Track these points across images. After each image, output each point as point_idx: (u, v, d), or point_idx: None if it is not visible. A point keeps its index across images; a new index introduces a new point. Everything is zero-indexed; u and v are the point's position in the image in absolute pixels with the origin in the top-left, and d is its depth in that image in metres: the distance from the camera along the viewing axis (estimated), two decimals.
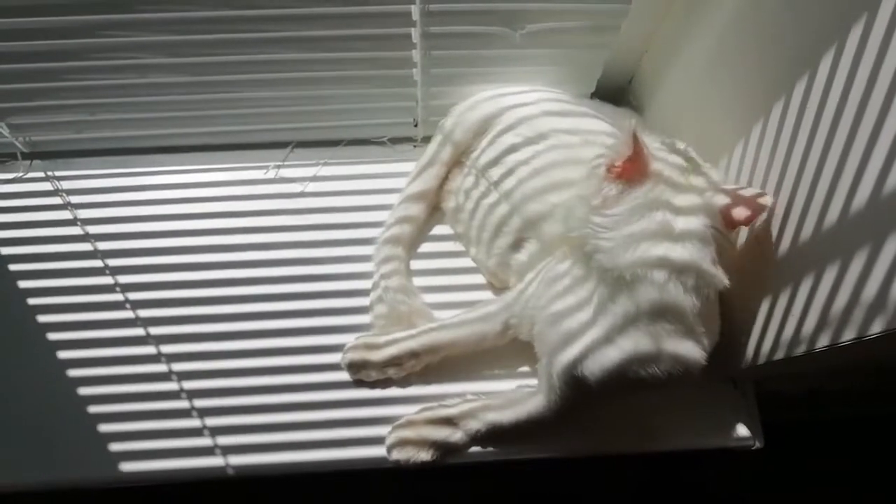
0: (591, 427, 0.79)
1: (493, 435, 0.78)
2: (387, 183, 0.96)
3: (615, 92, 1.02)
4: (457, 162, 0.92)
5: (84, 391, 0.82)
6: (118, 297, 0.88)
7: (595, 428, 0.79)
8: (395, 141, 1.01)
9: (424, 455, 0.77)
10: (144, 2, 0.77)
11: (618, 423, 0.79)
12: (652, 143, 0.70)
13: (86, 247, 0.91)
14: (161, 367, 0.83)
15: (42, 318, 0.86)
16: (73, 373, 0.83)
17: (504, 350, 0.83)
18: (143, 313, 0.87)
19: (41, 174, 0.97)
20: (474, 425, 0.78)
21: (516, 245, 0.82)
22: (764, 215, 0.66)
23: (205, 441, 0.79)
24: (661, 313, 0.64)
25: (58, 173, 0.97)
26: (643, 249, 0.63)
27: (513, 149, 0.84)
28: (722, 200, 0.65)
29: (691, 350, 0.65)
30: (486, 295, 0.89)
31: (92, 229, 0.92)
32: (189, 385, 0.82)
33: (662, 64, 0.91)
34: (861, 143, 0.53)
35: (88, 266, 0.90)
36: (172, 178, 0.97)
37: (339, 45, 0.85)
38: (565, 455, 0.80)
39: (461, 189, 0.89)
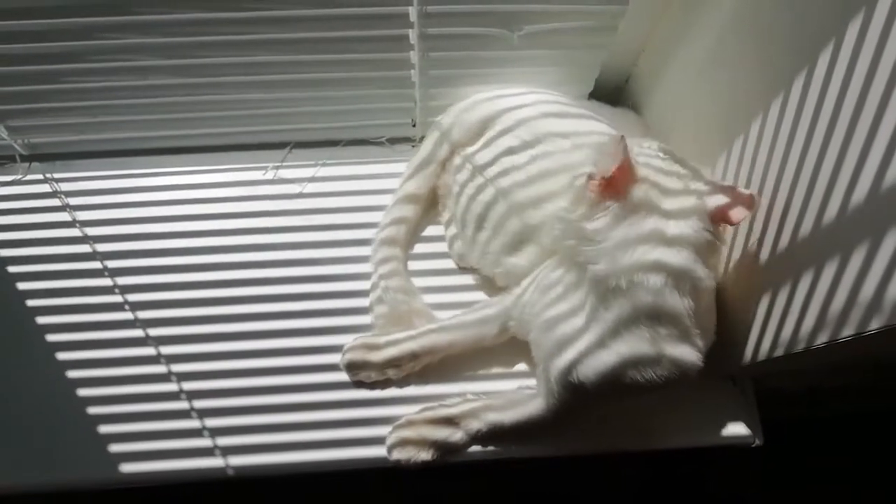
0: (591, 426, 0.79)
1: (494, 435, 0.78)
2: (385, 183, 0.96)
3: (613, 92, 1.02)
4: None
5: (83, 392, 0.82)
6: (117, 298, 0.88)
7: (595, 427, 0.79)
8: (394, 141, 1.01)
9: (425, 455, 0.77)
10: (143, 4, 0.77)
11: (618, 422, 0.79)
12: (640, 149, 0.70)
13: (85, 248, 0.91)
14: (160, 368, 0.83)
15: (41, 320, 0.86)
16: (73, 374, 0.83)
17: (503, 349, 0.83)
18: (143, 314, 0.87)
19: (40, 176, 0.97)
20: (475, 425, 0.78)
21: (513, 248, 0.82)
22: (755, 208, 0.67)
23: (205, 442, 0.79)
24: (656, 317, 0.64)
25: (56, 175, 0.97)
26: (636, 256, 0.63)
27: (511, 151, 0.84)
28: (715, 202, 0.65)
29: (687, 353, 0.66)
30: (480, 295, 0.89)
31: (91, 231, 0.92)
32: (188, 386, 0.82)
33: (660, 63, 0.91)
34: (859, 140, 0.53)
35: (87, 268, 0.90)
36: (171, 179, 0.97)
37: (338, 47, 0.85)
38: (566, 454, 0.80)
39: (456, 183, 0.89)
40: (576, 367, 0.68)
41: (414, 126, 0.99)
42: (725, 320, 0.73)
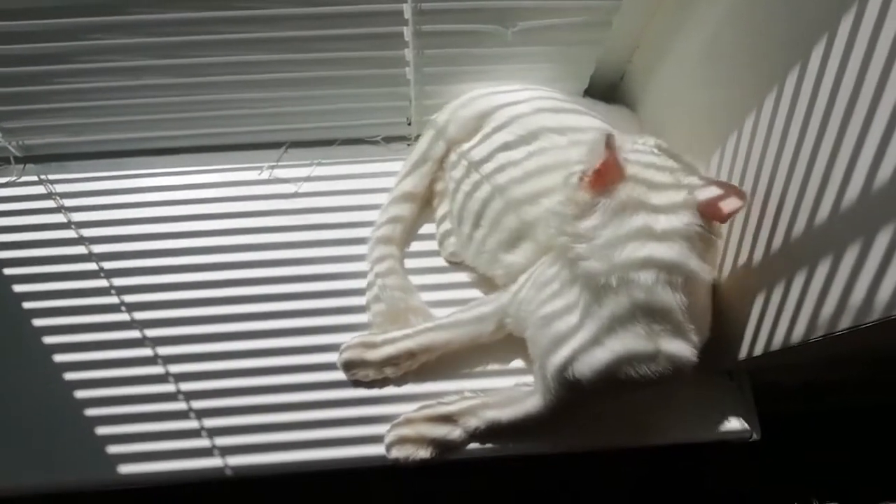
0: (588, 423, 0.79)
1: (492, 432, 0.78)
2: (381, 182, 0.96)
3: (608, 89, 1.02)
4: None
5: (81, 394, 0.81)
6: (113, 299, 0.88)
7: (592, 423, 0.80)
8: (389, 140, 1.01)
9: (423, 453, 0.77)
10: (136, 4, 0.76)
11: (615, 418, 0.80)
12: (634, 145, 0.70)
13: (80, 250, 0.91)
14: (158, 369, 0.83)
15: (38, 322, 0.86)
16: (70, 375, 0.83)
17: (500, 346, 0.83)
18: (139, 315, 0.86)
19: (34, 178, 0.96)
20: (473, 423, 0.78)
21: (510, 245, 0.82)
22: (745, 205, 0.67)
23: (203, 442, 0.79)
24: (649, 313, 0.64)
25: (51, 177, 0.96)
26: (627, 252, 0.63)
27: (506, 147, 0.84)
28: (705, 194, 0.65)
29: (681, 348, 0.66)
30: (476, 293, 0.89)
31: (86, 232, 0.92)
32: (186, 386, 0.82)
33: (654, 59, 0.92)
34: (852, 135, 0.53)
35: (83, 269, 0.89)
36: (166, 179, 0.97)
37: (332, 45, 0.85)
38: (563, 450, 0.80)
39: (451, 179, 0.89)
40: (571, 364, 0.68)
41: (409, 124, 0.99)
42: (722, 315, 0.73)
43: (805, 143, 0.60)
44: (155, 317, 0.86)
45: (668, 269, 0.63)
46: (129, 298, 0.88)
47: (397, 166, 0.96)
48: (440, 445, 0.78)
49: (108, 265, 0.90)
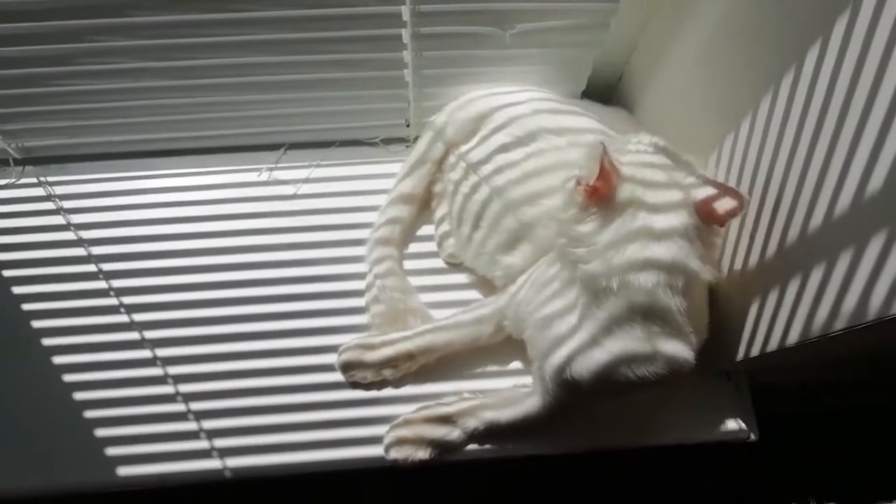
0: (586, 423, 0.79)
1: (491, 433, 0.78)
2: (380, 184, 0.96)
3: (605, 90, 1.02)
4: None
5: (80, 396, 0.82)
6: (113, 301, 0.88)
7: (591, 424, 0.80)
8: (388, 141, 1.01)
9: (422, 453, 0.77)
10: (135, 6, 0.77)
11: (613, 419, 0.80)
12: (630, 145, 0.70)
13: (79, 252, 0.91)
14: (157, 371, 0.83)
15: (37, 324, 0.86)
16: (69, 377, 0.83)
17: (498, 347, 0.83)
18: (138, 317, 0.87)
19: (34, 180, 0.96)
20: (472, 423, 0.78)
21: (509, 246, 0.82)
22: (745, 209, 0.65)
23: (202, 444, 0.79)
24: (649, 316, 0.64)
25: (50, 179, 0.96)
26: (627, 255, 0.63)
27: (504, 148, 0.84)
28: (702, 193, 0.65)
29: (679, 350, 0.66)
30: (475, 294, 0.90)
31: (85, 234, 0.92)
32: (185, 388, 0.82)
33: (651, 61, 0.92)
34: (847, 135, 0.54)
35: (82, 271, 0.90)
36: (165, 181, 0.97)
37: (331, 47, 0.86)
38: (562, 451, 0.80)
39: (450, 181, 0.90)
40: (570, 365, 0.68)
41: (408, 126, 0.99)
42: (719, 316, 0.73)
43: (801, 144, 0.60)
44: (154, 318, 0.87)
45: (668, 270, 0.63)
46: (128, 300, 0.88)
47: (396, 168, 0.96)
48: (439, 446, 0.78)
49: (107, 267, 0.90)
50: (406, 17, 0.80)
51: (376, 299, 0.87)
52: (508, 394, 0.80)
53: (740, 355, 0.73)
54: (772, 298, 0.66)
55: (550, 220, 0.72)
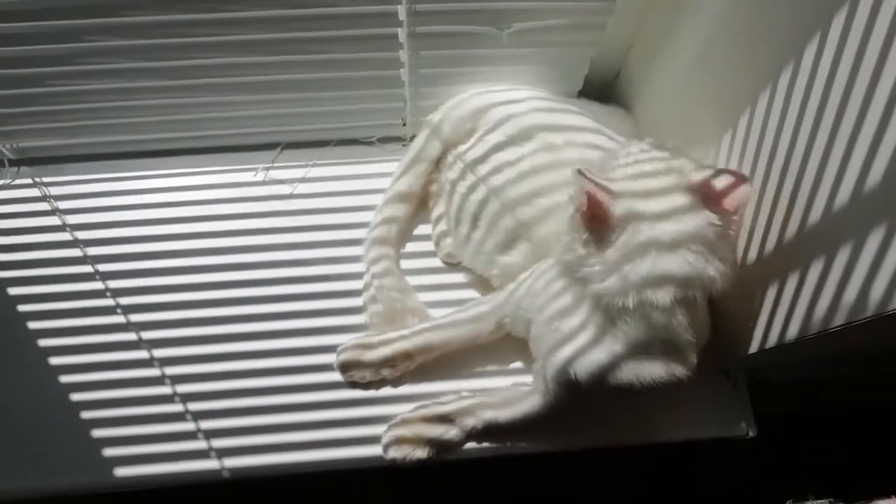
0: (585, 421, 0.80)
1: (489, 432, 0.78)
2: (376, 183, 0.96)
3: (602, 88, 1.02)
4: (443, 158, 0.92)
5: (77, 397, 0.81)
6: (109, 302, 0.87)
7: (590, 422, 0.80)
8: (384, 141, 1.01)
9: (420, 453, 0.77)
10: (130, 6, 0.76)
11: (612, 418, 0.80)
12: (622, 157, 0.68)
13: (75, 252, 0.91)
14: (154, 371, 0.83)
15: (33, 325, 0.86)
16: (66, 379, 0.82)
17: (497, 346, 0.83)
18: (134, 318, 0.86)
19: (29, 181, 0.96)
20: (470, 422, 0.78)
21: (506, 246, 0.82)
22: (748, 192, 0.63)
23: (200, 444, 0.79)
24: (664, 336, 0.64)
25: (46, 179, 0.96)
26: (640, 270, 0.61)
27: (500, 147, 0.84)
28: (699, 175, 0.63)
29: (684, 358, 0.66)
30: (472, 293, 0.89)
31: (81, 235, 0.92)
32: (183, 388, 0.82)
33: (648, 59, 0.92)
34: (846, 131, 0.54)
35: (78, 272, 0.89)
36: (161, 181, 0.97)
37: (327, 47, 0.85)
38: (561, 449, 0.81)
39: (447, 181, 0.89)
40: (572, 365, 0.68)
41: (404, 125, 0.99)
42: (718, 314, 0.73)
43: (798, 141, 0.60)
44: (150, 319, 0.86)
45: (686, 284, 0.61)
46: (124, 300, 0.87)
47: (393, 167, 0.96)
48: (437, 445, 0.78)
49: (103, 267, 0.90)
50: (402, 16, 0.80)
51: (374, 299, 0.87)
52: (507, 393, 0.80)
53: (738, 353, 0.73)
54: (770, 296, 0.66)
55: (555, 241, 0.70)
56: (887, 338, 0.58)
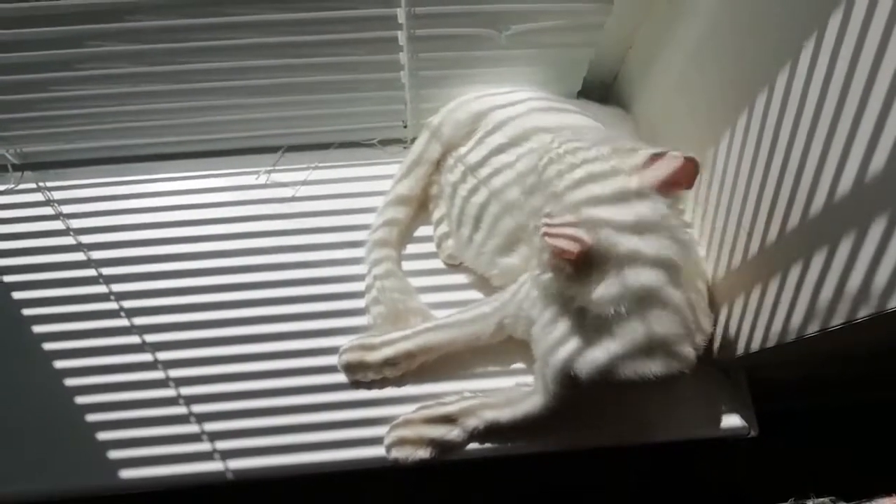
0: (586, 421, 0.80)
1: (491, 432, 0.78)
2: (378, 185, 0.96)
3: (601, 89, 1.03)
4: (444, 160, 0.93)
5: (81, 400, 0.82)
6: (113, 305, 0.88)
7: (590, 422, 0.80)
8: (385, 143, 1.01)
9: (423, 453, 0.78)
10: (133, 11, 0.77)
11: (613, 417, 0.80)
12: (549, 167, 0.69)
13: (79, 256, 0.91)
14: (158, 374, 0.83)
15: (37, 329, 0.86)
16: (70, 382, 0.83)
17: (499, 347, 0.83)
18: (139, 321, 0.87)
19: (32, 185, 0.97)
20: (473, 423, 0.78)
21: (507, 248, 0.82)
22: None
23: (204, 446, 0.79)
24: (654, 329, 0.64)
25: (49, 184, 0.97)
26: (629, 279, 0.62)
27: (501, 149, 0.84)
28: (640, 158, 0.65)
29: (685, 350, 0.66)
30: (473, 294, 0.90)
31: (85, 239, 0.92)
32: (186, 391, 0.82)
33: (647, 60, 0.92)
34: (843, 131, 0.54)
35: (82, 275, 0.90)
36: (164, 185, 0.97)
37: (327, 50, 0.86)
38: (562, 449, 0.81)
39: (448, 183, 0.90)
40: (573, 362, 0.69)
41: (405, 127, 0.99)
42: (718, 313, 0.73)
43: (797, 138, 0.60)
44: (154, 322, 0.87)
45: (664, 267, 0.63)
46: (128, 304, 0.88)
47: (394, 169, 0.96)
48: (439, 446, 0.78)
49: (106, 271, 0.90)
50: (402, 19, 0.80)
51: (376, 300, 0.87)
52: (509, 393, 0.80)
53: (739, 351, 0.73)
54: (770, 294, 0.66)
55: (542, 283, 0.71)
56: (888, 336, 0.58)
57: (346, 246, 0.92)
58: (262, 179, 0.98)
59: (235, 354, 0.85)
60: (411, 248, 0.94)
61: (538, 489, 1.16)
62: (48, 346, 0.85)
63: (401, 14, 0.80)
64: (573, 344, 0.69)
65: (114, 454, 0.79)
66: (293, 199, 0.97)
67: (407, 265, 0.92)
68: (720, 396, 0.83)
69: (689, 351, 0.67)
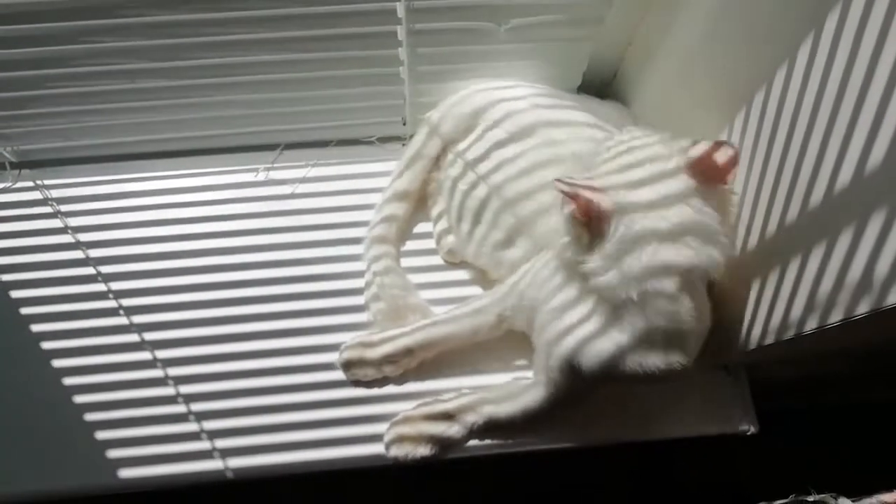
0: (585, 418, 0.80)
1: (491, 428, 0.79)
2: (377, 182, 0.96)
3: (601, 85, 1.02)
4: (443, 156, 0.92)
5: (80, 399, 0.82)
6: (111, 303, 0.88)
7: (590, 419, 0.80)
8: (384, 140, 1.01)
9: (423, 450, 0.77)
10: (128, 6, 0.76)
11: (613, 414, 0.80)
12: (599, 157, 0.69)
13: (77, 254, 0.91)
14: (157, 373, 0.83)
15: (35, 328, 0.86)
16: (69, 381, 0.83)
17: (498, 343, 0.83)
18: (137, 319, 0.87)
19: (30, 183, 0.96)
20: (472, 418, 0.78)
21: (508, 242, 0.82)
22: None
23: (203, 444, 0.79)
24: (661, 321, 0.64)
25: (47, 182, 0.96)
26: (641, 261, 0.61)
27: (500, 144, 0.84)
28: (696, 152, 0.63)
29: (687, 345, 0.66)
30: (474, 290, 0.89)
31: (83, 237, 0.92)
32: (186, 389, 0.82)
33: (647, 55, 0.92)
34: (842, 125, 0.54)
35: (80, 274, 0.90)
36: (162, 183, 0.97)
37: (326, 45, 0.85)
38: (561, 445, 0.81)
39: (448, 178, 0.89)
40: (578, 353, 0.69)
41: (404, 124, 0.99)
42: (717, 309, 0.73)
43: (796, 132, 0.60)
44: (153, 320, 0.87)
45: (688, 271, 0.62)
46: (126, 302, 0.88)
47: (392, 166, 0.96)
48: (439, 442, 0.78)
49: (105, 269, 0.90)
50: (401, 13, 0.80)
51: (376, 297, 0.87)
52: (508, 388, 0.80)
53: (738, 348, 0.73)
54: (769, 291, 0.66)
55: (556, 236, 0.70)
56: (886, 333, 0.58)
57: (345, 243, 0.92)
58: (261, 177, 0.98)
59: (235, 352, 0.85)
60: (411, 245, 0.94)
61: (538, 488, 1.16)
62: (46, 344, 0.85)
63: (400, 8, 0.79)
64: (579, 335, 0.69)
65: (113, 453, 0.79)
66: (292, 196, 0.96)
67: (406, 262, 0.92)
68: (720, 394, 0.83)
69: (693, 346, 0.66)
